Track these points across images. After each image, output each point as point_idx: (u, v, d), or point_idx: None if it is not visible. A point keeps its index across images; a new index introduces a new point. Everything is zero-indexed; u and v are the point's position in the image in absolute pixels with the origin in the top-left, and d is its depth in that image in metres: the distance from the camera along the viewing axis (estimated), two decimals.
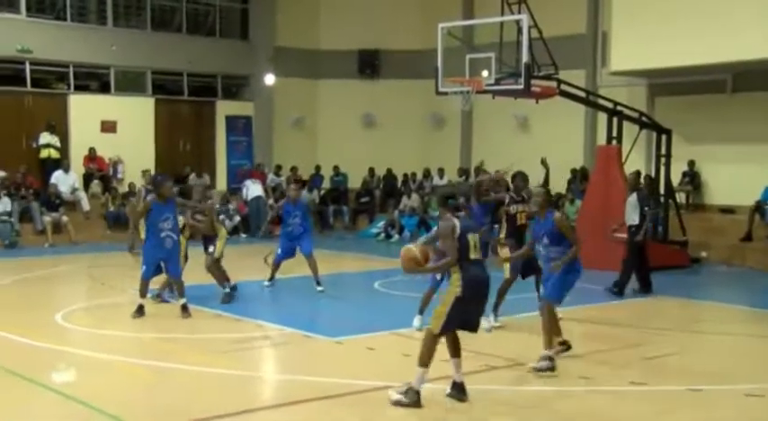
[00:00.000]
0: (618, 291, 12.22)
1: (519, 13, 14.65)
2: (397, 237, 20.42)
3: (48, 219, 18.64)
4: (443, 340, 6.84)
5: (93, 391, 7.05)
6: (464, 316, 6.73)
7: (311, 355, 8.62)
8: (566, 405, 6.96)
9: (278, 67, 23.36)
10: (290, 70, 23.61)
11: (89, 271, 14.44)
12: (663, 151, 16.20)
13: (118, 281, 13.03)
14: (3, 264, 15.07)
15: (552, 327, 7.94)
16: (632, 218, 12.34)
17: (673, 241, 16.21)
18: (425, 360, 6.67)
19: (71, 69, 21.01)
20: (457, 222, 6.75)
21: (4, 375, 7.62)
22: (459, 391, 6.86)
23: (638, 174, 13.15)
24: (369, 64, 24.28)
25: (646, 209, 12.27)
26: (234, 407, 6.66)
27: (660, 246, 15.78)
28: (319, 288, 12.16)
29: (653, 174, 16.63)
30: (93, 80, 21.81)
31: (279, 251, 12.55)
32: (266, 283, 12.65)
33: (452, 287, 6.72)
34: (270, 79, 23.27)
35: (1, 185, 18.63)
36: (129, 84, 22.13)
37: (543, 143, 21.02)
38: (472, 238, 6.77)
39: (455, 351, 6.90)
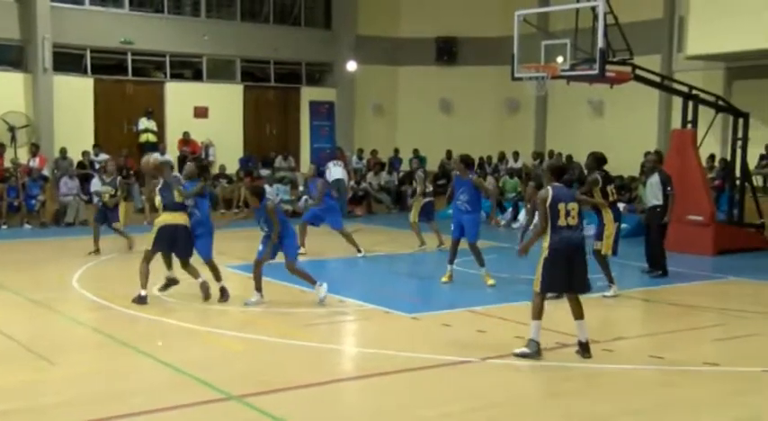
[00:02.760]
0: (662, 273, 11.88)
1: None
2: None
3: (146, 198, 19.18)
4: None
5: (185, 359, 7.23)
6: None
7: (389, 330, 8.66)
8: (637, 384, 6.80)
9: (359, 54, 23.41)
10: (370, 57, 23.62)
11: None
12: (739, 134, 15.59)
13: None
14: (106, 241, 15.52)
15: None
16: (657, 197, 11.96)
17: (749, 224, 15.63)
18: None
19: (167, 59, 21.53)
20: None
21: (107, 341, 7.92)
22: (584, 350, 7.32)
23: (658, 154, 12.73)
24: (446, 51, 24.11)
25: (668, 189, 11.86)
26: (315, 377, 6.75)
27: (736, 229, 15.26)
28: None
29: (728, 158, 16.05)
30: (187, 68, 22.30)
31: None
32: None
33: None
34: (352, 66, 23.34)
35: (104, 169, 19.19)
36: (220, 71, 22.54)
37: (617, 127, 20.61)
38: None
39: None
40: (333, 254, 14.42)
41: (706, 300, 10.47)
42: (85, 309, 9.48)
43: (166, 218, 9.51)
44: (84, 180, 19.04)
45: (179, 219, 9.55)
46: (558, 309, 7.68)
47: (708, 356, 7.58)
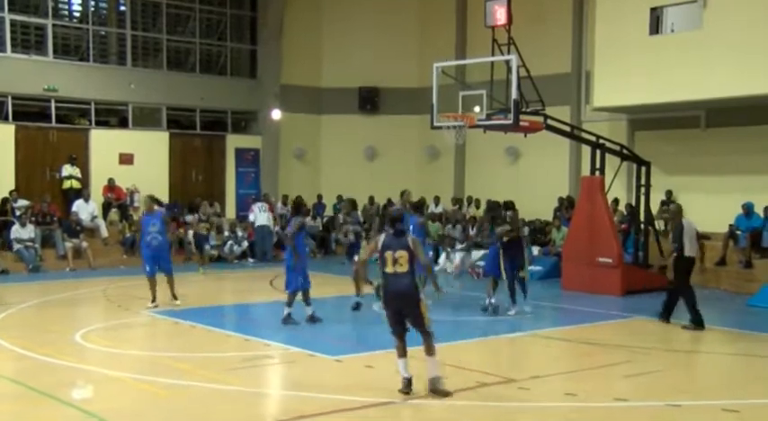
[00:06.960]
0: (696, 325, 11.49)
1: (508, 53, 14.77)
2: None
3: (69, 245, 18.62)
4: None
5: (109, 407, 7.02)
6: None
7: (313, 373, 8.59)
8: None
9: (284, 103, 23.51)
10: (295, 106, 23.76)
11: (106, 293, 14.41)
12: (642, 181, 16.24)
13: (133, 303, 13.01)
14: (27, 288, 15.05)
15: None
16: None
17: (652, 265, 16.19)
18: None
19: (92, 106, 21.13)
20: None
21: (27, 392, 7.60)
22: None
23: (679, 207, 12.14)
24: (369, 100, 24.44)
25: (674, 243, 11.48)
26: None
27: (642, 271, 15.79)
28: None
29: (634, 203, 16.66)
30: (113, 116, 21.92)
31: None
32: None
33: None
34: (276, 114, 23.42)
35: (26, 213, 18.64)
36: (146, 119, 22.23)
37: (531, 174, 21.19)
38: None
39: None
40: (258, 297, 14.27)
41: (616, 338, 10.76)
42: (3, 359, 9.09)
43: None
44: (4, 227, 18.42)
45: None
46: (474, 351, 7.76)
47: (619, 392, 7.78)
